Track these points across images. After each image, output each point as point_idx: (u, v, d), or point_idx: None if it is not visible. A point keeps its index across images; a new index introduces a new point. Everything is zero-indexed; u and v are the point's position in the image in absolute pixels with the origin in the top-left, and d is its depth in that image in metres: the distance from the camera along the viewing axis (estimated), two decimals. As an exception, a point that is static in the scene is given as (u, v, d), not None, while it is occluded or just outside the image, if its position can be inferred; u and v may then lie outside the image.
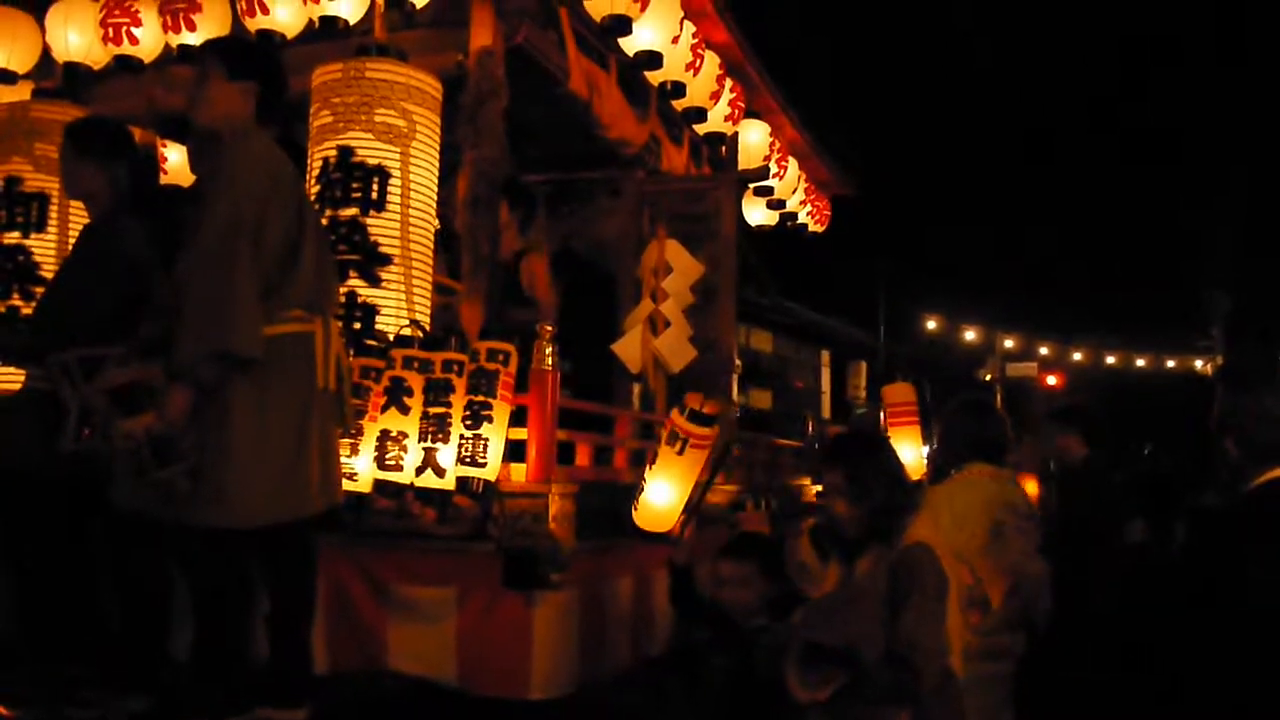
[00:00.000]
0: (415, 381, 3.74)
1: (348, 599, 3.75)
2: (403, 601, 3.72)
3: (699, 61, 5.66)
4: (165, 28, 4.87)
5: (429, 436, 3.69)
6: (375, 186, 4.28)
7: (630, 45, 5.23)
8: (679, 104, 5.87)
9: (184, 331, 2.88)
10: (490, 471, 3.66)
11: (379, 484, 3.72)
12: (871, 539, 2.88)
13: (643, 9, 4.98)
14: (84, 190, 3.73)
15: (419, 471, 3.69)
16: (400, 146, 4.33)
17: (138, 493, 3.07)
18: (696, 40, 5.62)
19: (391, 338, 4.05)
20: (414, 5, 4.54)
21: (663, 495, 3.81)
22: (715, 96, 5.99)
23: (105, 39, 5.02)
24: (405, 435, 3.70)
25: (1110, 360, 26.16)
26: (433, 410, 3.71)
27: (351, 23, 4.59)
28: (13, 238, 4.90)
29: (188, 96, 3.24)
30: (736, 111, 6.41)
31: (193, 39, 4.79)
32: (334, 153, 4.30)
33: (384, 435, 3.71)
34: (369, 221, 4.26)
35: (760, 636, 3.15)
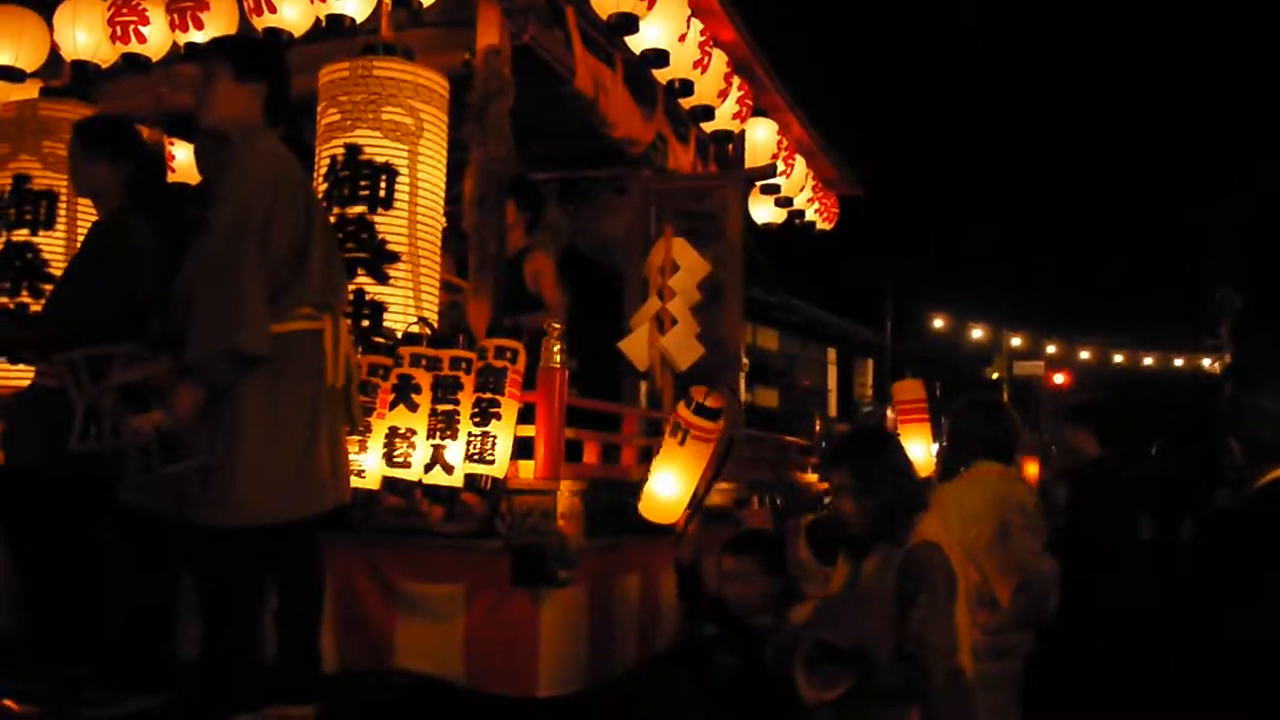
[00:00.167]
0: (423, 379, 3.74)
1: (356, 596, 3.75)
2: (411, 599, 3.72)
3: (706, 59, 5.65)
4: (173, 26, 4.88)
5: (437, 434, 3.70)
6: (383, 184, 4.28)
7: (637, 43, 5.22)
8: (686, 102, 5.86)
9: (192, 330, 2.88)
10: (498, 469, 3.66)
11: (387, 481, 3.72)
12: (880, 537, 2.87)
13: (649, 7, 4.97)
14: (92, 188, 3.74)
15: (427, 469, 3.70)
16: (408, 145, 4.34)
17: (146, 491, 3.08)
18: (704, 38, 5.62)
19: (399, 335, 4.06)
20: (421, 4, 4.53)
21: (667, 487, 3.82)
22: (723, 94, 5.99)
23: (113, 37, 5.02)
24: (413, 432, 3.71)
25: (1118, 359, 26.12)
26: (441, 407, 3.71)
27: (359, 21, 4.59)
28: (21, 235, 4.91)
29: (195, 96, 3.25)
30: (744, 109, 6.40)
31: (200, 37, 4.79)
32: (342, 151, 4.31)
33: (392, 432, 3.71)
34: (377, 219, 4.26)
35: (769, 636, 3.15)
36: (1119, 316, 26.04)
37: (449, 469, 3.68)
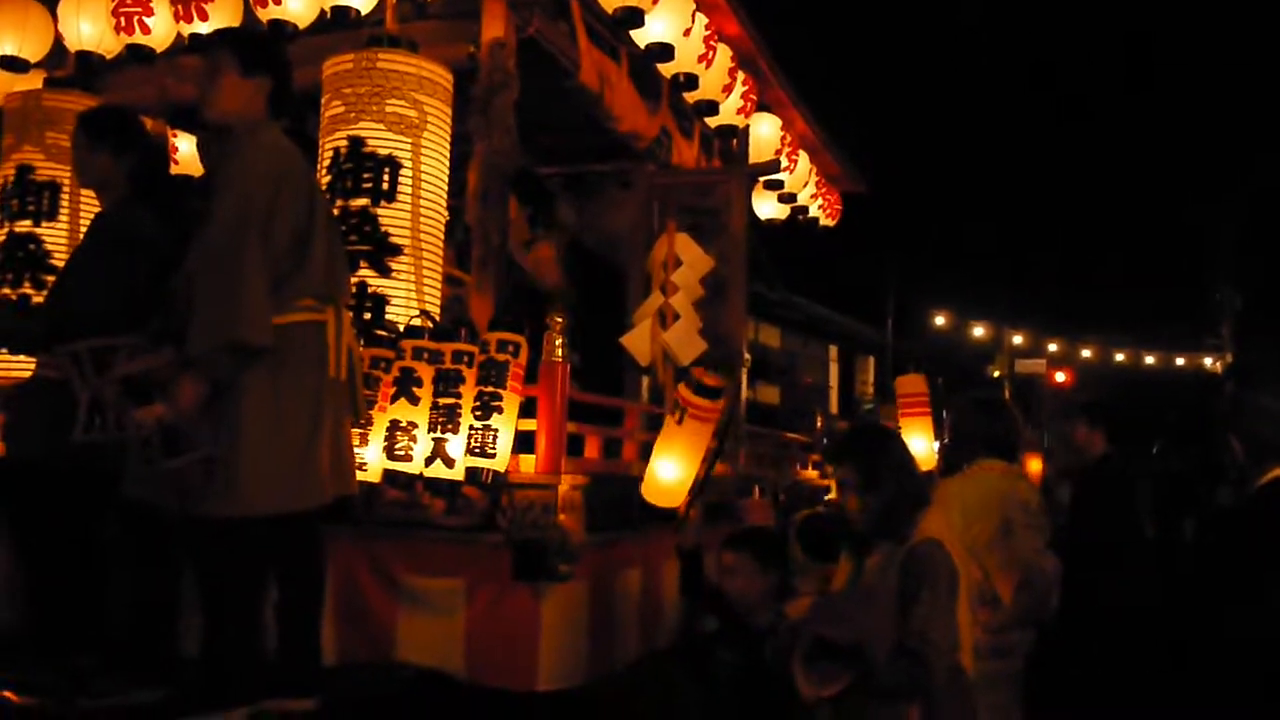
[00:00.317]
0: (425, 372, 3.73)
1: (357, 589, 3.76)
2: (412, 592, 3.73)
3: (711, 54, 5.64)
4: (177, 17, 4.86)
5: (439, 427, 3.69)
6: (386, 177, 4.28)
7: (642, 37, 5.21)
8: (690, 97, 5.85)
9: (194, 322, 2.88)
10: (500, 463, 3.65)
11: (388, 474, 3.72)
12: (883, 534, 2.87)
13: (655, 1, 4.97)
14: (96, 179, 3.73)
15: (428, 462, 3.69)
16: (411, 137, 4.34)
17: (148, 482, 3.08)
18: (708, 32, 5.60)
19: (401, 328, 4.05)
20: (425, -4, 4.54)
21: (668, 471, 3.82)
22: (727, 89, 5.98)
23: (117, 28, 5.00)
24: (415, 426, 3.70)
25: (1119, 357, 26.11)
26: (442, 401, 3.71)
27: (363, 13, 4.58)
28: (24, 226, 4.92)
29: (199, 90, 3.25)
30: (748, 105, 6.39)
31: (205, 28, 4.78)
32: (345, 143, 4.30)
33: (393, 425, 3.71)
34: (380, 212, 4.26)
35: (771, 633, 3.15)
36: (1121, 315, 26.01)
37: (450, 462, 3.67)
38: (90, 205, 4.52)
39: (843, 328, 23.27)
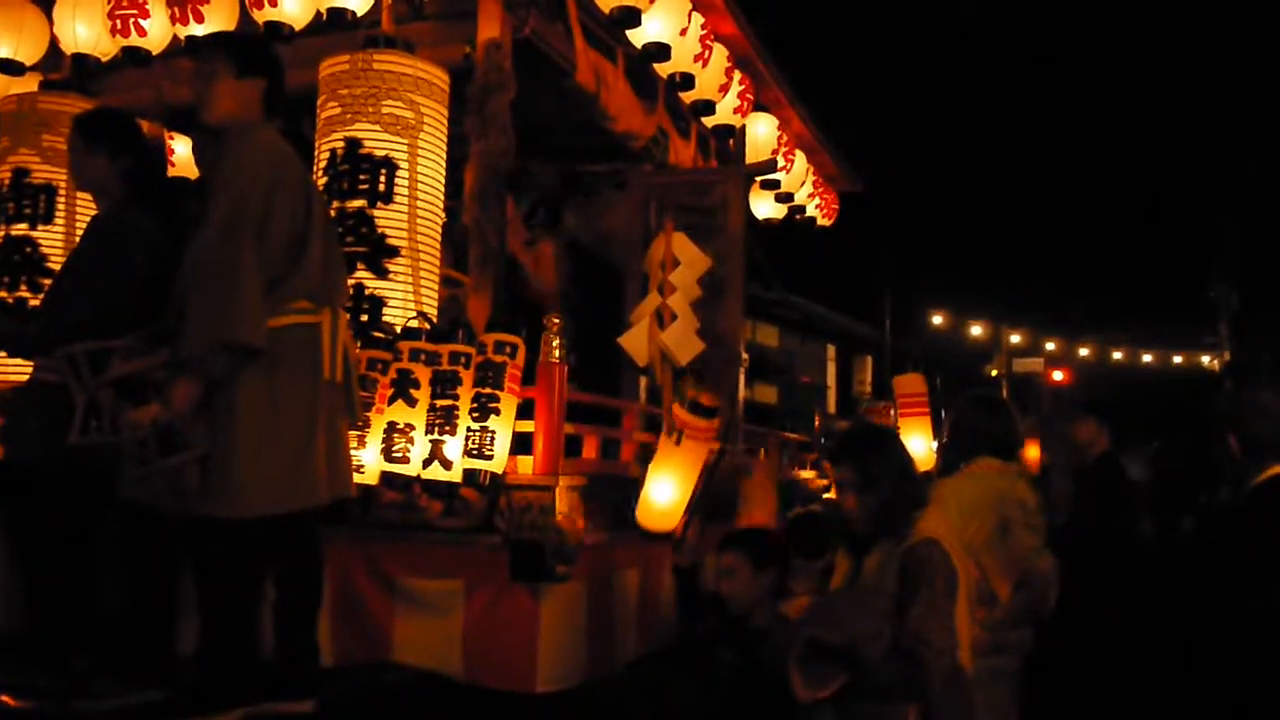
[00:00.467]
0: (422, 374, 3.73)
1: (354, 591, 3.75)
2: (409, 594, 3.72)
3: (707, 54, 5.64)
4: (173, 19, 4.86)
5: (436, 429, 3.69)
6: (383, 178, 4.27)
7: (638, 37, 5.21)
8: (687, 96, 5.85)
9: (189, 323, 2.89)
10: (497, 464, 3.65)
11: (386, 476, 3.72)
12: (882, 534, 2.87)
13: (651, 1, 4.97)
14: (92, 182, 3.73)
15: (426, 464, 3.69)
16: (408, 138, 4.33)
17: (145, 484, 3.07)
18: (705, 32, 5.60)
19: (398, 330, 4.05)
20: (421, -3, 4.54)
21: (663, 492, 3.81)
22: (724, 89, 5.98)
23: (113, 30, 5.00)
24: (412, 427, 3.70)
25: (1117, 356, 26.13)
26: (440, 402, 3.70)
27: (359, 14, 4.58)
28: (20, 229, 4.90)
29: (196, 94, 3.25)
30: (745, 104, 6.39)
31: (201, 30, 4.78)
32: (341, 144, 4.30)
33: (391, 427, 3.70)
34: (376, 213, 4.25)
35: (768, 633, 3.15)
36: (1118, 314, 26.04)
37: (447, 464, 3.67)
38: (86, 208, 4.52)
39: (840, 327, 23.26)
